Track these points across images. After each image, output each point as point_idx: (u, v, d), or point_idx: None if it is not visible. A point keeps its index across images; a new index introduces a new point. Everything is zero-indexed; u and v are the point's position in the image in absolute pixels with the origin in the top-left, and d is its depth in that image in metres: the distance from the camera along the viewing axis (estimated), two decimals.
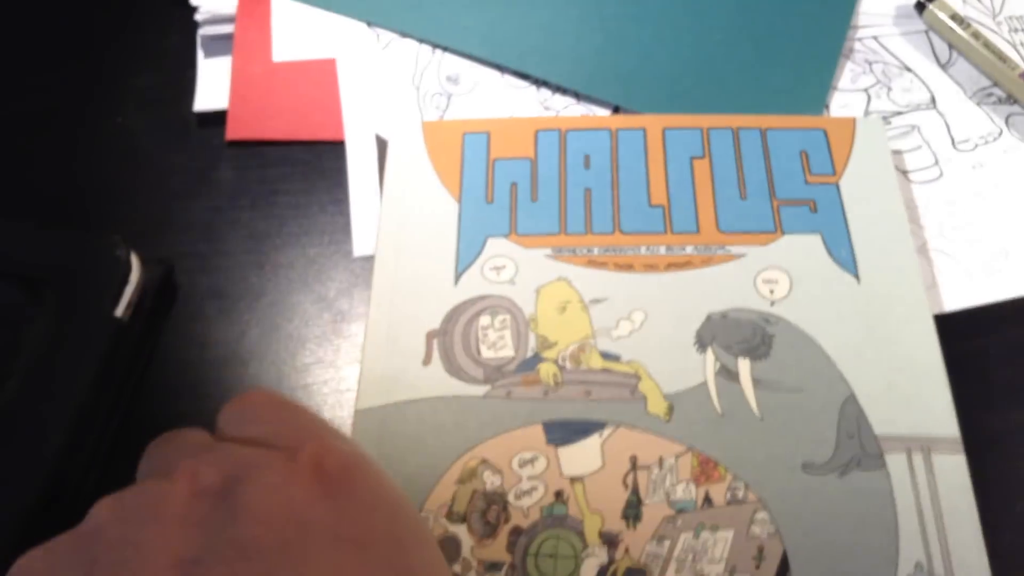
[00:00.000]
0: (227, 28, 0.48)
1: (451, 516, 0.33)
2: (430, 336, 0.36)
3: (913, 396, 0.34)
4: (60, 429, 0.37)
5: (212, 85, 0.47)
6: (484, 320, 0.36)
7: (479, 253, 0.38)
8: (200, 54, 0.48)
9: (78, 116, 0.49)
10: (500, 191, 0.40)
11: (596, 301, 0.36)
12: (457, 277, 0.38)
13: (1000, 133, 0.44)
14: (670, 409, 0.34)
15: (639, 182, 0.39)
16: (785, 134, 0.40)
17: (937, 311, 0.38)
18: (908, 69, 0.46)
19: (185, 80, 0.49)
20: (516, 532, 0.32)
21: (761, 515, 0.32)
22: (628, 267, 0.37)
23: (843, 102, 0.44)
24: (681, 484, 0.33)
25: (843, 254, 0.37)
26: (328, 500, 0.25)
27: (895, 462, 0.33)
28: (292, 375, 0.41)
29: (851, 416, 0.34)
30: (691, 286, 0.37)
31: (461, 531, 0.32)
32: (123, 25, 0.52)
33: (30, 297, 0.40)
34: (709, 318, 0.36)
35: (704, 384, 0.34)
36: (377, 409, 0.35)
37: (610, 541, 0.32)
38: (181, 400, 0.41)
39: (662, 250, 0.37)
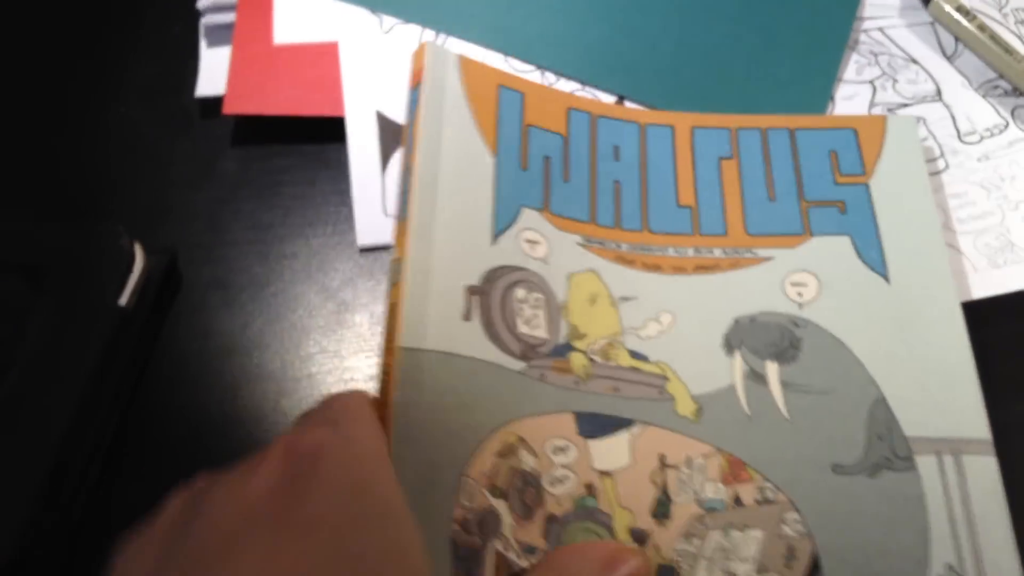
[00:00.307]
0: (229, 17, 0.48)
1: (493, 490, 0.32)
2: (470, 292, 0.35)
3: (944, 398, 0.34)
4: (63, 418, 0.37)
5: (214, 73, 0.47)
6: (520, 293, 0.36)
7: (514, 220, 0.37)
8: (202, 43, 0.48)
9: (81, 106, 0.49)
10: (535, 161, 0.39)
11: (625, 299, 0.36)
12: (495, 237, 0.37)
13: (1006, 125, 0.45)
14: (699, 410, 0.34)
15: (667, 181, 0.39)
16: (814, 134, 0.40)
17: None
18: (914, 61, 0.46)
19: (188, 70, 0.48)
20: (551, 520, 0.32)
21: (791, 515, 0.32)
22: (656, 267, 0.36)
23: (848, 93, 0.45)
24: (710, 484, 0.33)
25: (873, 256, 0.37)
26: (286, 486, 0.25)
27: (925, 464, 0.33)
28: (296, 365, 0.41)
29: (881, 418, 0.33)
30: (719, 289, 0.37)
31: (502, 507, 0.32)
32: (125, 15, 0.51)
33: (33, 287, 0.40)
34: (737, 322, 0.35)
35: (732, 386, 0.34)
36: (419, 353, 0.33)
37: (639, 538, 0.32)
38: (184, 390, 0.40)
39: (690, 252, 0.37)
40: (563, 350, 0.35)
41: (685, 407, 0.34)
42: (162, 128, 0.47)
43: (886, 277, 0.37)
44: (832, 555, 0.32)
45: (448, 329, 0.34)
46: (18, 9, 0.52)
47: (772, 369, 0.35)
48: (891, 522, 0.32)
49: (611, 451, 0.34)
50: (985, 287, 0.40)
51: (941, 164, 0.43)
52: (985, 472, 0.33)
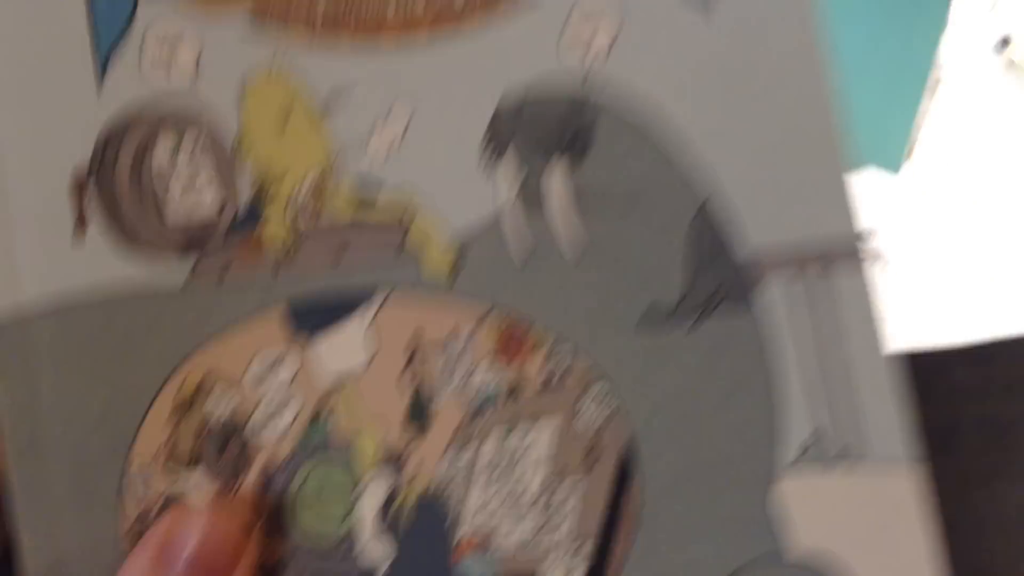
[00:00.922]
0: None
1: (174, 464, 0.23)
2: (79, 183, 0.23)
3: (797, 182, 0.24)
4: None
5: None
6: (163, 147, 0.24)
7: (126, 30, 0.25)
8: None
9: None
10: None
11: (335, 94, 0.24)
12: (100, 78, 0.24)
13: None
14: (457, 259, 0.24)
15: None
16: None
17: None
18: None
19: None
20: (267, 472, 0.24)
21: (594, 390, 0.23)
22: (371, 42, 0.24)
23: None
24: (483, 363, 0.23)
25: None
26: None
27: (775, 290, 0.24)
28: None
29: (707, 231, 0.24)
30: (471, 60, 0.25)
31: (192, 481, 0.23)
32: None
33: None
34: (500, 110, 0.24)
35: (500, 214, 0.23)
36: (17, 319, 0.24)
37: (393, 462, 0.23)
38: None
39: (420, 5, 0.24)
40: (250, 219, 0.24)
41: (438, 259, 0.24)
42: None
43: (704, 5, 0.25)
44: (650, 441, 0.24)
45: (55, 263, 0.24)
46: None
47: (554, 176, 0.24)
48: (728, 385, 0.24)
49: (344, 346, 0.25)
50: None
51: None
52: (859, 286, 0.24)
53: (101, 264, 0.24)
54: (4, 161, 0.24)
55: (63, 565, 0.24)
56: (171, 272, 0.24)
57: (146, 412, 0.24)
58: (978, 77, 0.34)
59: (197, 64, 0.25)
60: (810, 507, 0.24)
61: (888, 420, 0.24)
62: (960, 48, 0.32)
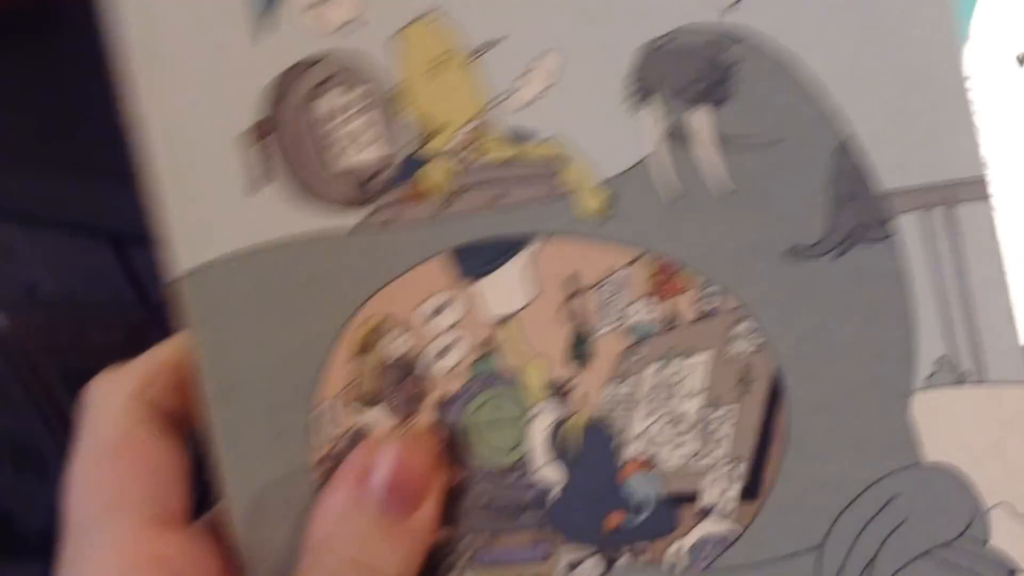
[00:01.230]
0: None
1: (358, 400, 0.25)
2: (255, 135, 0.25)
3: (931, 125, 0.25)
4: None
5: None
6: (327, 102, 0.25)
7: None
8: None
9: None
10: None
11: (487, 45, 0.25)
12: (257, 25, 0.25)
13: None
14: (610, 200, 0.25)
15: None
16: None
17: None
18: None
19: None
20: (444, 404, 0.26)
21: (743, 325, 0.26)
22: None
23: None
24: (639, 302, 0.25)
25: None
26: None
27: (908, 226, 0.26)
28: None
29: (848, 169, 0.25)
30: (615, 5, 0.25)
31: (375, 416, 0.25)
32: None
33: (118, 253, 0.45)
34: (647, 51, 0.25)
35: (650, 156, 0.25)
36: (211, 267, 0.26)
37: (560, 392, 0.25)
38: None
39: None
40: (411, 167, 0.26)
41: (591, 200, 0.26)
42: None
43: None
44: (796, 369, 0.26)
45: (240, 213, 0.26)
46: None
47: (701, 118, 0.26)
48: (867, 313, 0.26)
49: (507, 287, 0.26)
50: None
51: None
52: (984, 224, 0.26)
53: (279, 214, 0.26)
54: (186, 119, 0.25)
55: (262, 497, 0.26)
56: (344, 220, 0.26)
57: (329, 353, 0.26)
58: (1000, 90, 0.34)
59: (352, 13, 0.26)
60: (937, 424, 0.26)
61: (1006, 345, 0.26)
62: (981, 61, 0.32)
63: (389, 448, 0.26)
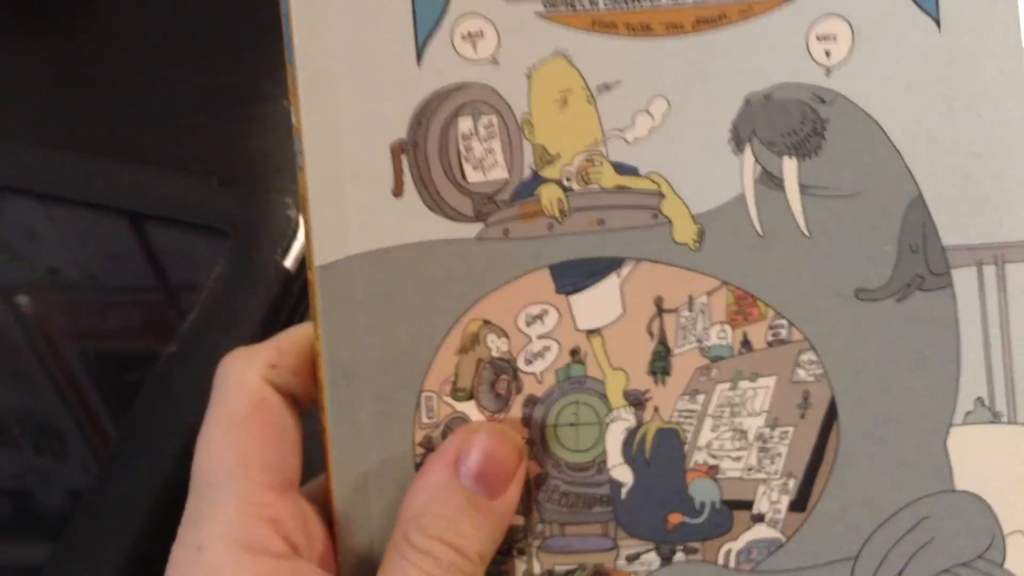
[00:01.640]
0: None
1: (456, 393, 0.28)
2: (396, 151, 0.27)
3: (992, 191, 0.29)
4: None
5: None
6: (464, 125, 0.28)
7: (444, 10, 0.29)
8: None
9: (253, 95, 0.55)
10: None
11: (605, 87, 0.28)
12: (420, 50, 0.27)
13: None
14: (700, 234, 0.28)
15: None
16: None
17: None
18: None
19: None
20: (530, 403, 0.28)
21: (807, 356, 0.29)
22: (645, 28, 0.28)
23: None
24: (715, 327, 0.28)
25: None
26: None
27: (963, 279, 0.29)
28: None
29: (916, 224, 0.28)
30: (726, 53, 0.30)
31: (469, 409, 0.29)
32: None
33: (213, 244, 0.47)
34: (748, 102, 0.28)
35: (741, 197, 0.28)
36: (343, 263, 0.29)
37: (636, 401, 0.28)
38: None
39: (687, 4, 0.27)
40: (530, 187, 0.29)
41: (685, 231, 0.29)
42: None
43: (937, 19, 0.28)
44: (850, 398, 0.29)
45: (375, 218, 0.29)
46: (201, 10, 0.59)
47: (790, 167, 0.29)
48: (919, 354, 0.29)
49: (598, 303, 0.29)
50: None
51: None
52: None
53: (412, 220, 0.29)
54: (339, 127, 0.28)
55: (363, 473, 0.29)
56: (463, 232, 0.29)
57: (438, 348, 0.29)
58: None
59: (496, 48, 0.29)
60: (970, 457, 0.29)
61: None
62: None
63: (481, 437, 0.28)
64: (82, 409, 0.45)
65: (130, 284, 0.48)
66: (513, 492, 0.28)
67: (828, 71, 0.29)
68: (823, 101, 0.29)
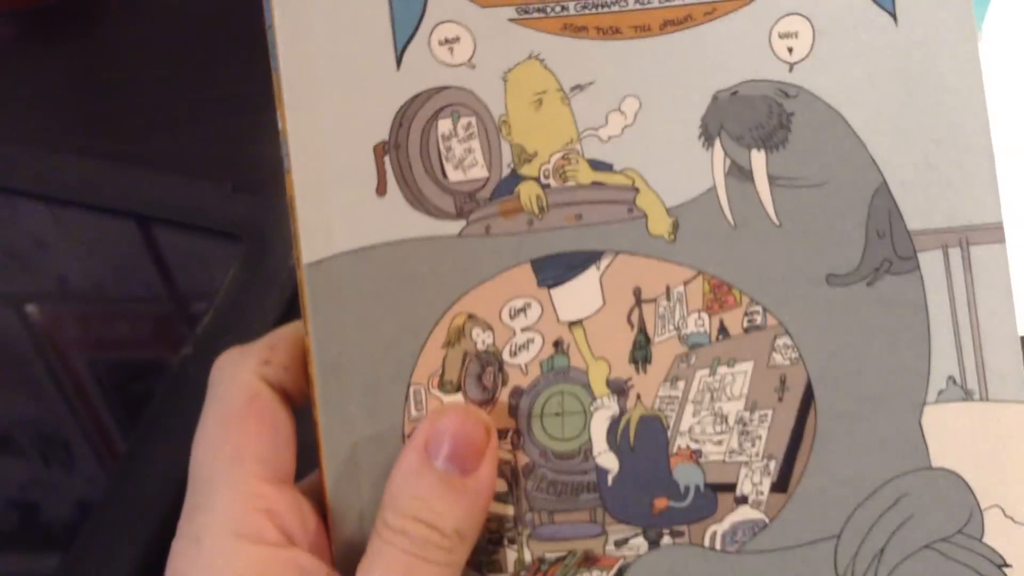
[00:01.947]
0: None
1: (443, 386, 0.28)
2: (379, 152, 0.28)
3: (954, 176, 0.31)
4: None
5: None
6: (444, 126, 0.29)
7: (421, 16, 0.30)
8: None
9: (267, 101, 0.51)
10: None
11: (578, 88, 0.29)
12: (399, 55, 0.29)
13: None
14: (675, 226, 0.29)
15: None
16: None
17: None
18: None
19: None
20: (516, 394, 0.29)
21: (782, 341, 0.29)
22: (614, 31, 0.30)
23: None
24: (692, 315, 0.29)
25: None
26: None
27: (929, 262, 0.30)
28: None
29: (882, 210, 0.29)
30: (693, 52, 0.31)
31: (457, 401, 0.28)
32: None
33: (227, 248, 0.48)
34: (716, 99, 0.30)
35: (712, 189, 0.29)
36: (330, 261, 0.30)
37: (619, 390, 0.29)
38: None
39: (655, 0, 0.28)
40: (509, 185, 0.30)
41: (660, 224, 0.30)
42: None
43: (894, 14, 0.30)
44: (825, 380, 0.30)
45: (360, 217, 0.30)
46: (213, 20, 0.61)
47: (758, 160, 0.30)
48: (890, 335, 0.30)
49: (579, 296, 0.30)
50: None
51: None
52: (994, 264, 0.31)
53: (396, 219, 0.30)
54: (323, 130, 0.29)
55: (353, 464, 0.30)
56: (446, 229, 0.30)
57: (424, 342, 0.29)
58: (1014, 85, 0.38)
59: (472, 53, 0.30)
60: (944, 434, 0.30)
61: (1008, 369, 0.30)
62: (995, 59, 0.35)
63: (446, 418, 0.29)
64: (90, 419, 0.46)
65: (140, 293, 0.49)
66: (486, 469, 0.29)
67: (791, 67, 0.30)
68: (788, 95, 0.30)
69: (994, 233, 0.30)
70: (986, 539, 0.30)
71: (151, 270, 0.49)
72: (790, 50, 0.31)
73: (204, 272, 0.48)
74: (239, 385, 0.29)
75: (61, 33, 0.60)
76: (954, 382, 0.30)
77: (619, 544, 0.31)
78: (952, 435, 0.30)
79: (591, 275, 0.30)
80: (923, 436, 0.30)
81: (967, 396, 0.30)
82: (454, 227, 0.30)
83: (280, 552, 0.28)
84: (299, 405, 0.31)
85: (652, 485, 0.30)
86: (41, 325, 0.48)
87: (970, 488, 0.30)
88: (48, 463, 0.45)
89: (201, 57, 0.58)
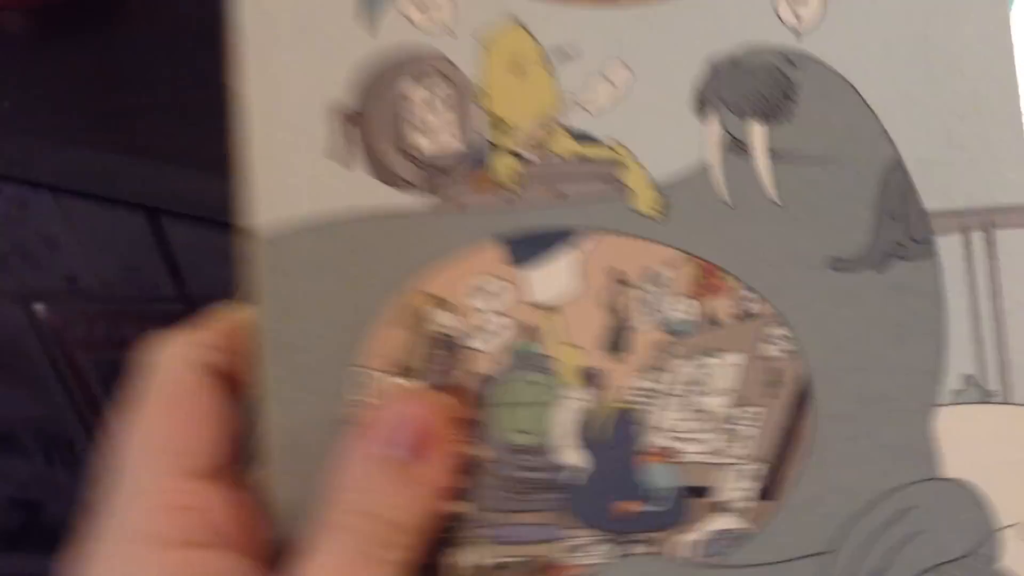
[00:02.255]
0: None
1: (398, 370, 0.26)
2: (343, 120, 0.26)
3: (978, 152, 0.27)
4: None
5: None
6: (415, 94, 0.27)
7: None
8: None
9: None
10: None
11: (562, 54, 0.26)
12: (371, 17, 0.27)
13: None
14: (664, 204, 0.26)
15: None
16: None
17: None
18: None
19: None
20: (479, 382, 0.28)
21: (776, 331, 0.27)
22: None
23: None
24: (679, 301, 0.27)
25: None
26: None
27: (947, 247, 0.27)
28: None
29: (896, 188, 0.27)
30: (690, 18, 0.28)
31: (413, 386, 0.27)
32: None
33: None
34: (713, 67, 0.26)
35: (707, 165, 0.27)
36: (286, 234, 0.28)
37: (592, 379, 0.26)
38: None
39: None
40: (481, 158, 0.27)
41: (646, 201, 0.27)
42: None
43: None
44: (826, 376, 0.28)
45: (319, 188, 0.28)
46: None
47: (758, 133, 0.27)
48: (900, 328, 0.27)
49: (554, 277, 0.28)
50: None
51: None
52: (1021, 250, 0.27)
53: (358, 190, 0.28)
54: (284, 97, 0.27)
55: (296, 453, 0.28)
56: (412, 202, 0.28)
57: (376, 323, 0.27)
58: None
59: (451, 15, 0.28)
60: (959, 440, 0.27)
61: None
62: None
63: (398, 403, 0.27)
64: (95, 419, 0.45)
65: (149, 293, 0.48)
66: (439, 459, 0.27)
67: (798, 35, 0.27)
68: (793, 64, 0.27)
69: (1021, 216, 0.27)
70: (1002, 562, 0.27)
71: (161, 268, 0.48)
72: (797, 16, 0.28)
73: (215, 268, 0.46)
74: (169, 372, 0.27)
75: (75, 28, 0.60)
76: (972, 382, 0.27)
77: (583, 550, 0.28)
78: (968, 441, 0.27)
79: (569, 256, 0.28)
80: (934, 442, 0.27)
81: (986, 397, 0.27)
82: (421, 201, 0.28)
83: (194, 554, 0.25)
84: (238, 388, 0.28)
85: (620, 487, 0.28)
86: (48, 324, 0.48)
87: (987, 502, 0.27)
88: (51, 462, 0.44)
89: (216, 51, 0.56)
